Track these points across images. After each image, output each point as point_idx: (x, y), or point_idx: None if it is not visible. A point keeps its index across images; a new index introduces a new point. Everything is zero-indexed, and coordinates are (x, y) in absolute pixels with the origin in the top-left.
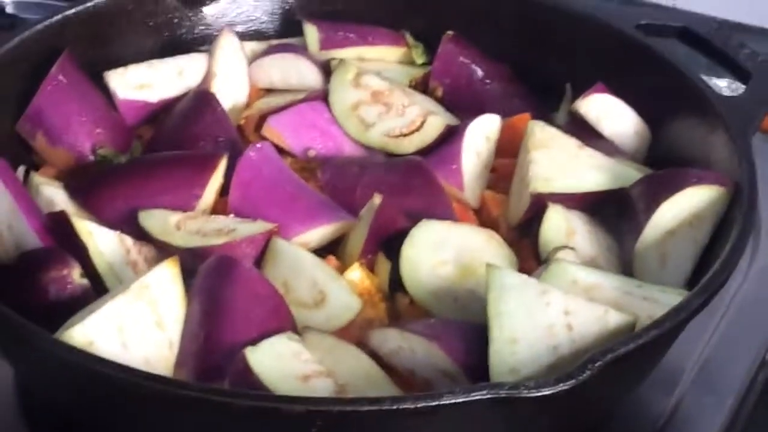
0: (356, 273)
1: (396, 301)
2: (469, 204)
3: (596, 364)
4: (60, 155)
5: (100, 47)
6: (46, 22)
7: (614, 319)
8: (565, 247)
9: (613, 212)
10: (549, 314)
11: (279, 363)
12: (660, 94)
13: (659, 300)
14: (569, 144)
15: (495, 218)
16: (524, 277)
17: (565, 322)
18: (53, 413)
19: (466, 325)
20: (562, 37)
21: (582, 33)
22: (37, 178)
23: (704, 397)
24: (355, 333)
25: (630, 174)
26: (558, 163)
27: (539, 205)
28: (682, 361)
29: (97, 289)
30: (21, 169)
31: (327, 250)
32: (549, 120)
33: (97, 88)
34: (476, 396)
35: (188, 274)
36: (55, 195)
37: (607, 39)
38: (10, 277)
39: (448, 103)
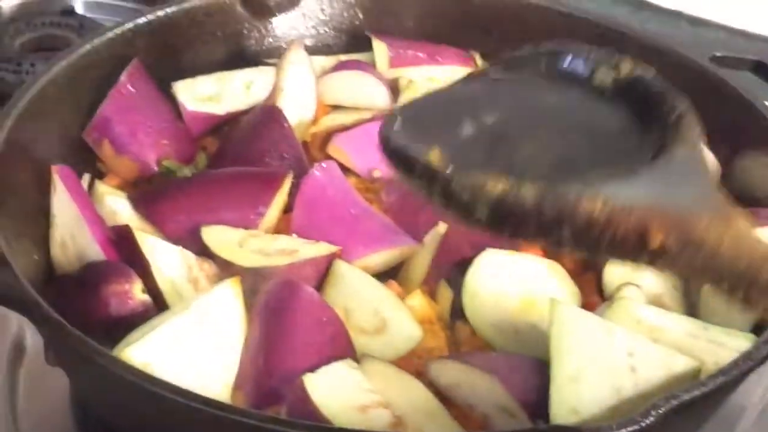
0: (417, 300)
1: (456, 330)
2: None
3: (660, 410)
4: (125, 165)
5: (169, 57)
6: (117, 30)
7: (680, 363)
8: (630, 284)
9: None
10: (613, 354)
11: (338, 391)
12: (732, 129)
13: (726, 344)
14: None
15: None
16: (588, 314)
17: (629, 363)
18: (107, 428)
19: (528, 360)
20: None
21: (654, 62)
22: (101, 187)
23: None
24: (413, 362)
25: None
26: None
27: None
28: (744, 398)
29: (159, 304)
30: (86, 177)
31: (388, 274)
32: None
33: (164, 98)
34: None
35: (249, 293)
36: (119, 206)
37: (680, 70)
38: (73, 287)
39: None
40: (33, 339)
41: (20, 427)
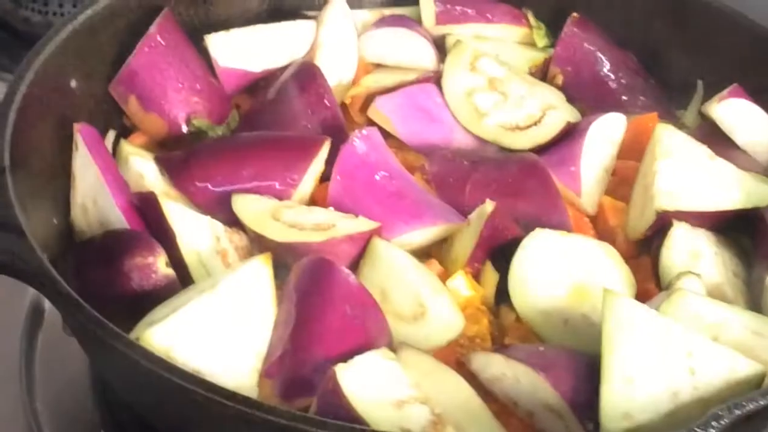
0: (459, 281)
1: (501, 316)
2: (586, 211)
3: (721, 422)
4: (153, 122)
5: (202, 7)
6: None
7: (742, 367)
8: (689, 272)
9: (742, 233)
10: (671, 354)
11: (371, 385)
12: None
13: None
14: (699, 153)
15: (612, 228)
16: (645, 309)
17: (687, 365)
18: (129, 410)
19: (579, 357)
20: (697, 29)
21: (719, 27)
22: (127, 147)
23: None
24: (455, 350)
25: (765, 193)
26: (686, 175)
27: (663, 222)
28: None
29: (183, 277)
30: (111, 135)
31: (430, 253)
32: (677, 120)
33: (196, 52)
34: None
35: (281, 269)
36: (145, 168)
37: (745, 35)
38: (93, 256)
39: (568, 92)
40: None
41: (36, 397)
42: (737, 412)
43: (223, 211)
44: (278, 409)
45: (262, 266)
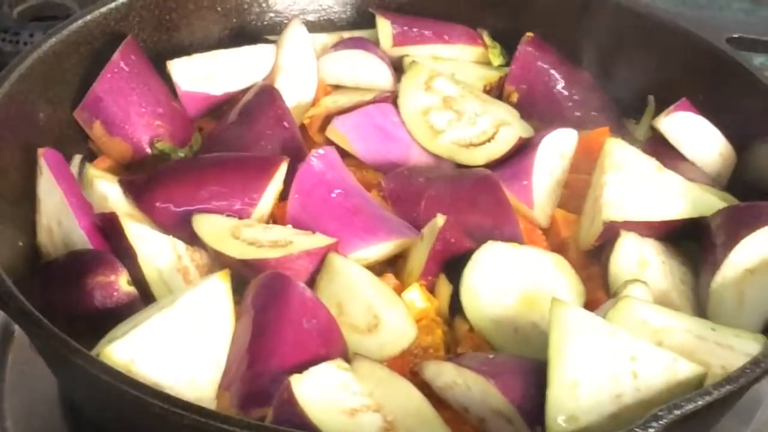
0: (414, 294)
1: (455, 326)
2: (539, 223)
3: (661, 422)
4: (117, 146)
5: (165, 33)
6: (111, 5)
7: (684, 369)
8: (636, 280)
9: (687, 240)
10: (615, 359)
11: (325, 394)
12: (748, 115)
13: (734, 347)
14: (647, 166)
15: (564, 240)
16: (591, 315)
17: (630, 368)
18: (97, 427)
19: (527, 364)
20: (649, 47)
21: (669, 44)
22: (92, 170)
23: None
24: (409, 360)
25: (711, 202)
26: (634, 187)
27: (612, 232)
28: (760, 390)
29: (146, 294)
30: (77, 159)
31: (387, 267)
32: (628, 134)
33: (159, 77)
34: None
35: (240, 285)
36: (109, 190)
37: (695, 52)
38: (57, 276)
39: (522, 109)
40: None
41: (6, 416)
42: (676, 412)
43: (185, 230)
44: (233, 418)
45: (220, 282)
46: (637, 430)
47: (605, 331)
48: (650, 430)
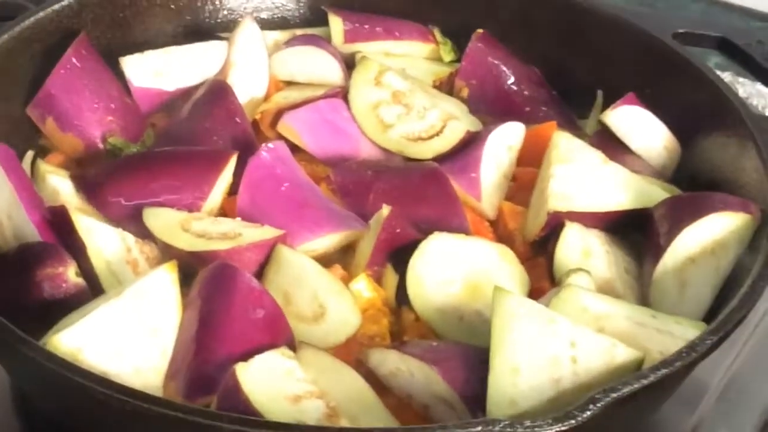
0: (361, 284)
1: (402, 315)
2: (486, 215)
3: (598, 405)
4: (69, 142)
5: (118, 30)
6: (64, 2)
7: (621, 354)
8: (579, 269)
9: (634, 232)
10: (554, 345)
11: (270, 381)
12: (694, 108)
13: (674, 333)
14: (593, 158)
15: (511, 231)
16: (532, 303)
17: (570, 354)
18: (48, 418)
19: (470, 350)
20: (596, 42)
21: (616, 39)
22: (44, 166)
23: (729, 416)
24: (355, 348)
25: (654, 193)
26: (580, 179)
27: (556, 222)
28: (706, 377)
29: (95, 287)
30: (29, 155)
31: (335, 258)
32: (577, 129)
33: (112, 74)
34: None
35: (189, 278)
36: (60, 185)
37: (642, 47)
38: (7, 267)
39: (473, 104)
40: None
41: None
42: (613, 395)
43: (136, 224)
44: (174, 403)
45: (167, 273)
46: (574, 412)
47: (545, 318)
48: (587, 412)
